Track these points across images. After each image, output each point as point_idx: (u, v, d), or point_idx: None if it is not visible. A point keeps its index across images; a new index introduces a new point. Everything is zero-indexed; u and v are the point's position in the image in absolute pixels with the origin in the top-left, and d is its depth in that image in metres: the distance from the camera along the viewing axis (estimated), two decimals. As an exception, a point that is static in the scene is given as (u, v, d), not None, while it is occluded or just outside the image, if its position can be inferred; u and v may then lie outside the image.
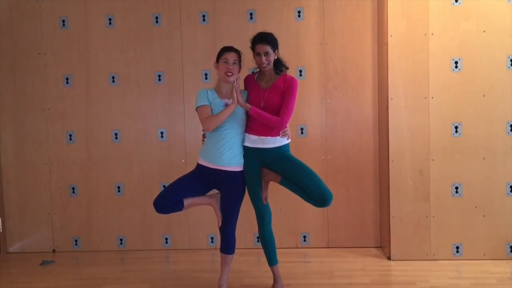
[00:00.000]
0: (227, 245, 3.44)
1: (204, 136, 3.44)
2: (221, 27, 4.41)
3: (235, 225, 3.45)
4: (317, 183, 3.20)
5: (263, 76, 3.38)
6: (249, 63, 3.42)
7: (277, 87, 3.30)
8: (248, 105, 3.26)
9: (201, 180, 3.37)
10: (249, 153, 3.36)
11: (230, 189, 3.35)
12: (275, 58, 3.33)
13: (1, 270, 4.21)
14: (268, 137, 3.31)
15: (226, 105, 3.28)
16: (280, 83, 3.31)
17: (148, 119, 4.50)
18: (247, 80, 3.47)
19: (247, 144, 3.37)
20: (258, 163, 3.36)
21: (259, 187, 3.38)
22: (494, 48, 3.97)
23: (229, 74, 3.27)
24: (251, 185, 3.38)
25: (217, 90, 3.36)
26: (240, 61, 3.33)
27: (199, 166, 3.39)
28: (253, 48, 3.31)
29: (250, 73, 3.54)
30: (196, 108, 3.32)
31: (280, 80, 3.32)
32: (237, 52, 3.33)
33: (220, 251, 3.48)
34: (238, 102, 3.23)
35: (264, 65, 3.28)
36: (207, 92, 3.33)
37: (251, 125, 3.35)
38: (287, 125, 3.34)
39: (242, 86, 3.46)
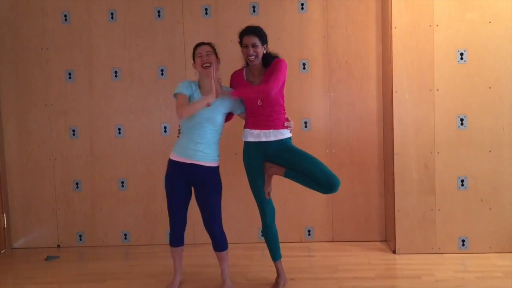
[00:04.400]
0: (218, 243, 3.40)
1: (179, 131, 3.40)
2: (223, 21, 4.38)
3: (220, 221, 3.38)
4: (323, 169, 3.20)
5: (252, 72, 3.32)
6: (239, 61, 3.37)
7: (267, 78, 3.23)
8: (227, 91, 3.23)
9: (179, 180, 3.31)
10: (251, 147, 3.34)
11: (207, 185, 3.31)
12: (264, 52, 3.26)
13: (6, 265, 4.22)
14: (271, 130, 3.29)
15: None
16: (268, 72, 3.25)
17: (151, 114, 4.49)
18: (235, 76, 3.40)
19: (249, 139, 3.34)
20: (260, 158, 3.34)
21: (262, 182, 3.36)
22: (500, 39, 3.92)
23: (207, 65, 3.22)
24: (254, 180, 3.36)
25: (200, 86, 3.34)
26: (215, 51, 3.29)
27: (172, 163, 3.32)
28: (241, 41, 3.26)
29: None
30: (174, 94, 3.29)
31: (268, 70, 3.26)
32: (209, 44, 3.30)
33: (214, 250, 3.45)
34: (217, 92, 3.19)
35: (252, 57, 3.20)
36: (191, 84, 3.30)
37: (253, 121, 3.32)
38: (289, 118, 3.32)
39: (226, 84, 3.43)
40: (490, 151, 3.99)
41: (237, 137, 4.40)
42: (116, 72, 4.47)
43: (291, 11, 4.34)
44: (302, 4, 4.34)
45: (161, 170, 4.50)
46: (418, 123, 4.02)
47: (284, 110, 3.35)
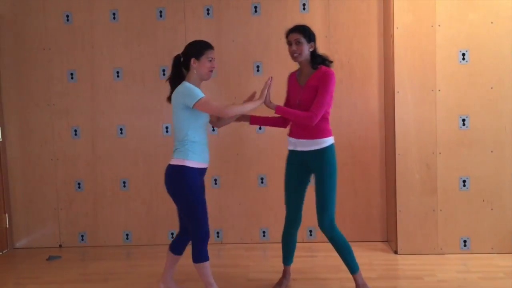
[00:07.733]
0: (177, 246, 3.33)
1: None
2: (225, 21, 4.38)
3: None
4: (324, 205, 3.19)
5: (301, 71, 3.29)
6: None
7: (312, 83, 3.18)
8: (273, 104, 3.17)
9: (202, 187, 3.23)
10: (290, 155, 3.31)
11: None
12: (311, 50, 3.21)
13: (8, 265, 4.23)
14: (306, 139, 3.19)
15: None
16: (314, 78, 3.18)
17: (153, 114, 4.49)
18: (290, 77, 3.38)
19: (289, 147, 3.31)
20: (298, 166, 3.27)
21: (298, 193, 3.31)
22: (502, 40, 3.91)
23: (211, 71, 3.15)
24: (290, 189, 3.32)
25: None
26: None
27: (197, 172, 3.09)
28: (287, 40, 3.24)
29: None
30: (199, 100, 3.05)
31: (315, 75, 3.19)
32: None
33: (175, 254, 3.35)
34: (265, 101, 3.16)
35: (295, 54, 3.18)
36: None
37: (292, 128, 3.29)
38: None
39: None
40: (492, 151, 3.98)
41: (237, 137, 4.42)
42: (118, 72, 4.48)
43: (292, 11, 4.34)
44: (304, 4, 4.33)
45: (162, 170, 4.50)
46: (420, 123, 4.01)
47: (326, 118, 3.23)
